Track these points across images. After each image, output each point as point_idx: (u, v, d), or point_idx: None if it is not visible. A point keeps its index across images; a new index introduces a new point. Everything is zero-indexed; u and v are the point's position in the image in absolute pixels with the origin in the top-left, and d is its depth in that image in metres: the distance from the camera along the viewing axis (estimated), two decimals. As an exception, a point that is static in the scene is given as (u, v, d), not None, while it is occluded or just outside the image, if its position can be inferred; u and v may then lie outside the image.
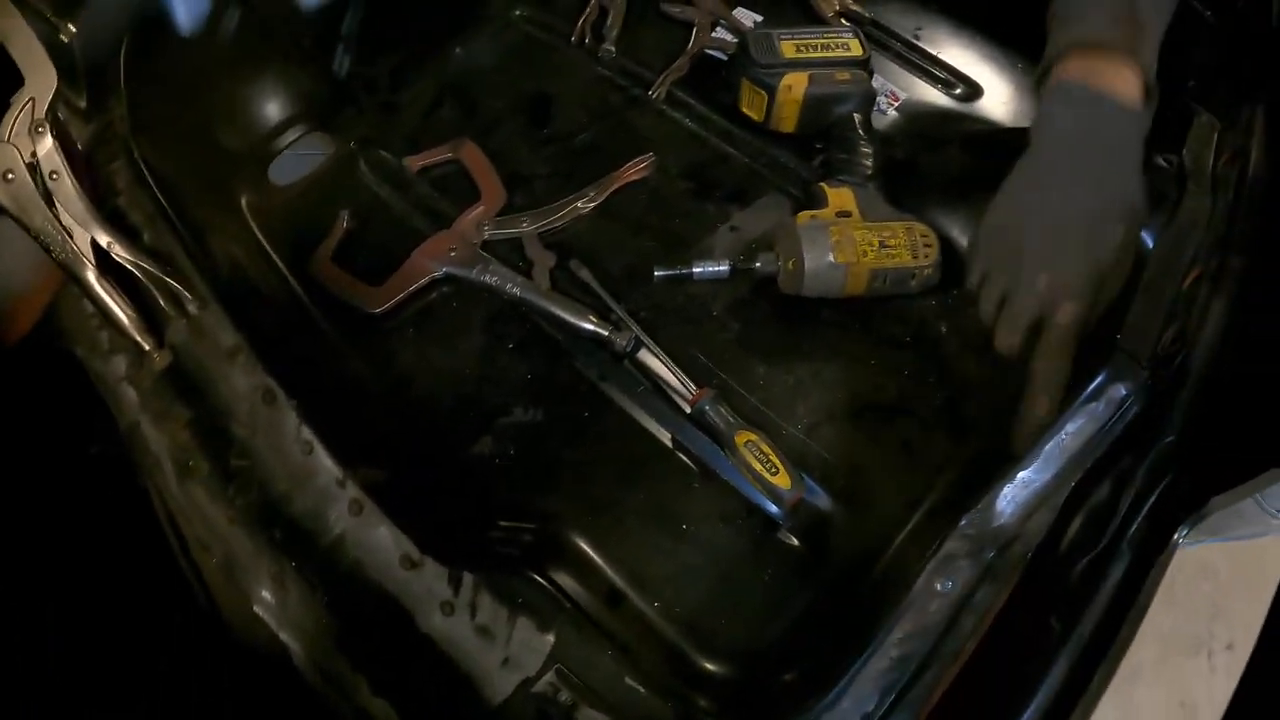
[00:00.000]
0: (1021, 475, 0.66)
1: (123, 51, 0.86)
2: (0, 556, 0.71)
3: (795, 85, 0.79)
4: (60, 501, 0.75)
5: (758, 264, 0.76)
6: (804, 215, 0.76)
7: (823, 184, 0.79)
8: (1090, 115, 0.64)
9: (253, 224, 0.87)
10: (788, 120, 0.84)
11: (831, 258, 0.72)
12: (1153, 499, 0.56)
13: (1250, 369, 0.61)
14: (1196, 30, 0.85)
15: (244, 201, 0.90)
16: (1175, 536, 0.50)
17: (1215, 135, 0.79)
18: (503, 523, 0.69)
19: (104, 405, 0.76)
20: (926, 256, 0.75)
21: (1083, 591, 0.55)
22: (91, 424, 0.77)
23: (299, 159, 0.95)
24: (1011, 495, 0.65)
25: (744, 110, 0.87)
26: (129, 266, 0.68)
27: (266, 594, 0.67)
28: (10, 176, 0.66)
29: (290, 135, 0.95)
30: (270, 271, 0.84)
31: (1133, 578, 0.52)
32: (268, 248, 0.85)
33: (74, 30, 0.74)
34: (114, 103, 0.84)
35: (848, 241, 0.73)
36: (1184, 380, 0.62)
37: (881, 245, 0.74)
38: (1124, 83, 0.64)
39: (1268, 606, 0.50)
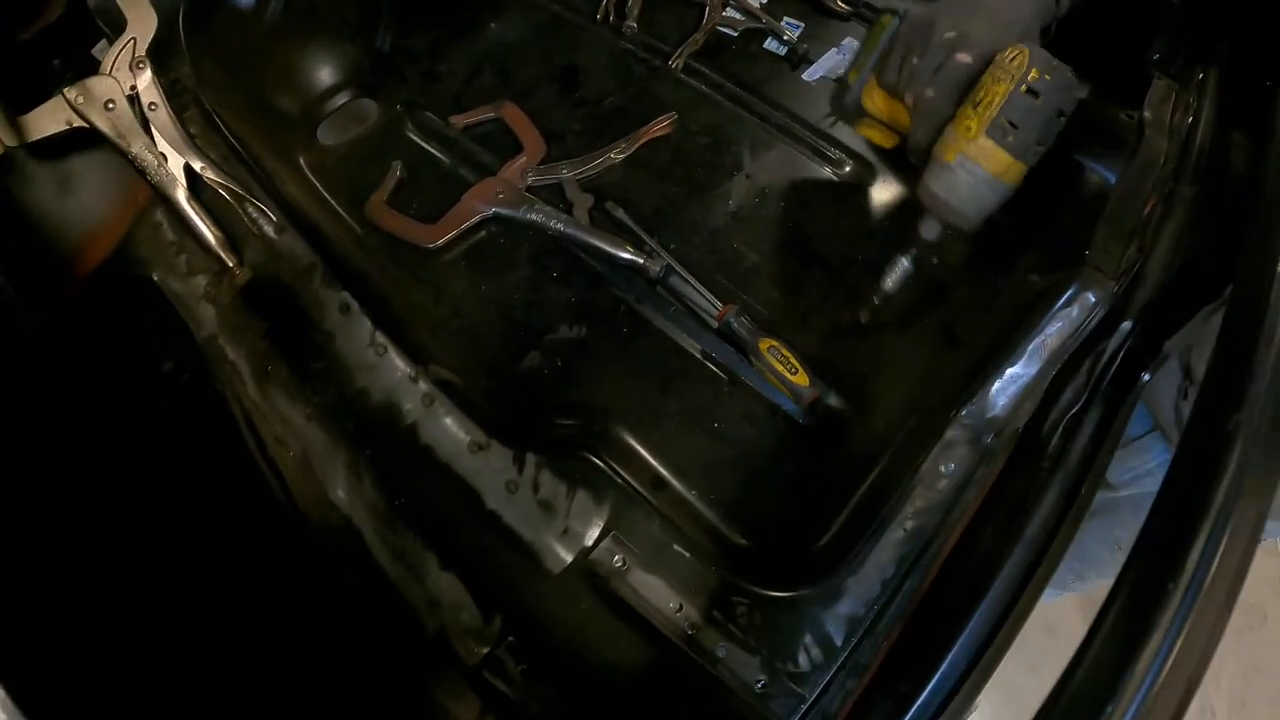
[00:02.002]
0: (1010, 371, 0.76)
1: (180, 19, 0.95)
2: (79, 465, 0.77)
3: None
4: (134, 416, 0.81)
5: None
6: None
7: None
8: None
9: (310, 175, 0.95)
10: None
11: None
12: (1118, 361, 0.66)
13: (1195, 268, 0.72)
14: (1162, 10, 0.98)
15: (301, 160, 0.98)
16: (1142, 377, 0.60)
17: (1172, 94, 0.91)
18: (556, 420, 0.77)
19: (174, 326, 0.83)
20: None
21: (1066, 439, 0.65)
22: (163, 343, 0.83)
23: (346, 122, 1.03)
24: (1002, 388, 0.75)
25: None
26: (218, 188, 0.75)
27: (342, 481, 0.74)
28: (111, 105, 0.74)
29: (339, 99, 1.03)
30: (328, 214, 0.92)
31: (1108, 418, 0.62)
32: (325, 194, 0.93)
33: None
34: (178, 62, 0.92)
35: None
36: (1142, 280, 0.73)
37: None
38: None
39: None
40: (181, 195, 0.75)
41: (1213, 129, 0.84)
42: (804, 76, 1.01)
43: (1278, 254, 0.47)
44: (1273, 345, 0.36)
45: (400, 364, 0.75)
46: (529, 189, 0.90)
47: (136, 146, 0.74)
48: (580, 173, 0.91)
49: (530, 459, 0.71)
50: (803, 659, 0.69)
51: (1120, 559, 0.51)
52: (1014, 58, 0.70)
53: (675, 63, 1.01)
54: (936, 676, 0.58)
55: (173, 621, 0.72)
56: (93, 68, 0.82)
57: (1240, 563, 0.30)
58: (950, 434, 0.74)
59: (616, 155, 0.92)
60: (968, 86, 0.72)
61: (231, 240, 0.78)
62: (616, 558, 0.70)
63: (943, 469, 0.73)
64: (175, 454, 0.78)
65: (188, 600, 0.72)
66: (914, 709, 0.57)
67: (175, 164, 0.74)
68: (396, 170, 0.92)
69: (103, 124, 0.74)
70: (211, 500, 0.75)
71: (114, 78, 0.74)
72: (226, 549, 0.73)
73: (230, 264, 0.76)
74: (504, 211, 0.88)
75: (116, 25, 0.80)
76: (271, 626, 0.73)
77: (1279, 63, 0.72)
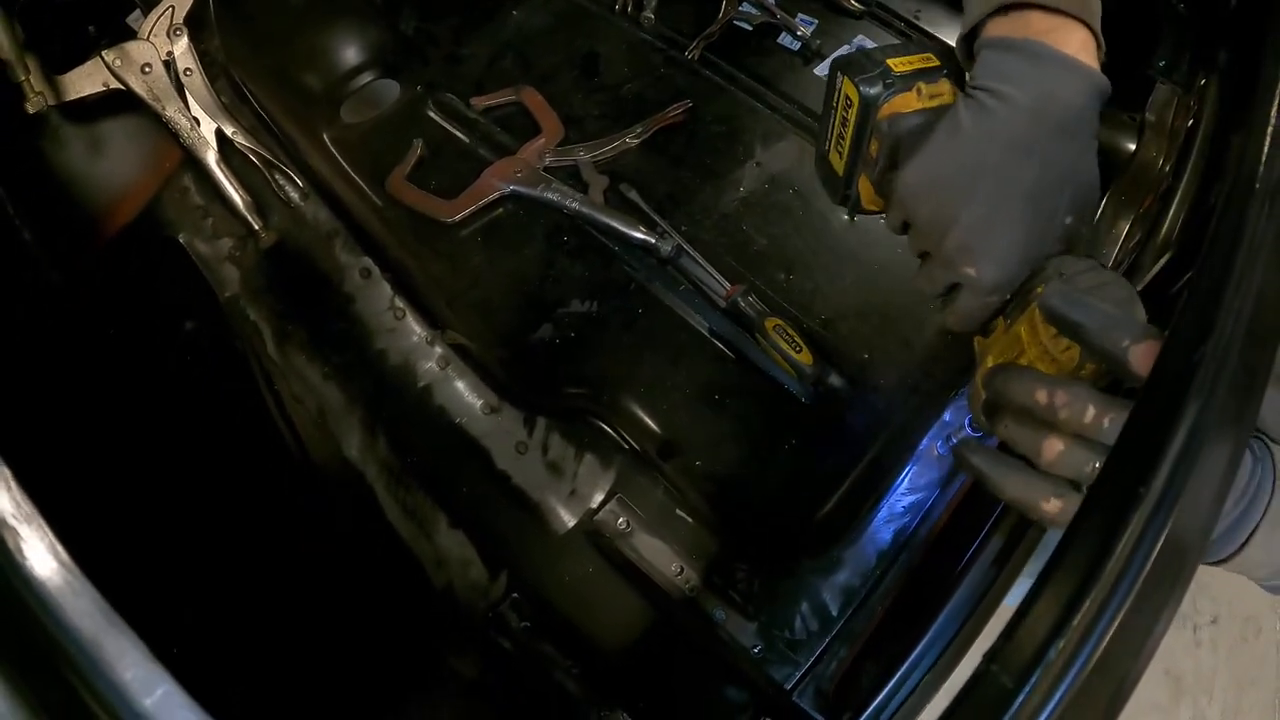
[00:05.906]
0: (1007, 356, 0.78)
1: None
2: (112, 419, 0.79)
3: None
4: (156, 373, 0.83)
5: None
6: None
7: None
8: (1045, 74, 0.52)
9: (333, 150, 0.98)
10: None
11: None
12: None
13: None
14: (1168, 19, 1.01)
15: (324, 135, 1.00)
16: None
17: (1175, 99, 0.94)
18: (567, 389, 0.79)
19: (197, 287, 0.86)
20: None
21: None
22: (187, 303, 0.86)
23: (369, 100, 1.06)
24: (998, 372, 0.77)
25: None
26: (248, 153, 0.78)
27: (356, 439, 0.76)
28: (148, 69, 0.77)
29: (362, 79, 1.06)
30: (350, 187, 0.94)
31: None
32: (348, 168, 0.96)
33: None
34: (207, 35, 0.95)
35: None
36: (1137, 271, 0.75)
37: None
38: (1078, 44, 0.53)
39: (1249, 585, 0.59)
40: (212, 158, 0.77)
41: (1211, 132, 0.86)
42: (816, 71, 1.03)
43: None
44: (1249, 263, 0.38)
45: (418, 328, 0.77)
46: (546, 169, 0.93)
47: (171, 110, 0.77)
48: (596, 155, 0.93)
49: (540, 422, 0.74)
50: (799, 626, 0.71)
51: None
52: None
53: (691, 54, 1.04)
54: (924, 640, 0.60)
55: (185, 575, 0.74)
56: (127, 35, 0.85)
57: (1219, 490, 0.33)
58: (948, 415, 0.77)
59: (632, 140, 0.95)
60: None
61: (258, 204, 0.81)
62: (621, 520, 0.72)
63: (938, 448, 0.76)
64: (195, 409, 0.80)
65: (201, 553, 0.74)
66: (901, 670, 0.59)
67: (207, 128, 0.77)
68: (418, 148, 0.95)
69: (139, 87, 0.76)
70: (229, 454, 0.78)
71: (151, 43, 0.77)
72: (239, 500, 0.76)
73: (256, 227, 0.79)
74: (521, 190, 0.90)
75: (154, -5, 0.83)
76: (280, 580, 0.75)
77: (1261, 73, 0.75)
